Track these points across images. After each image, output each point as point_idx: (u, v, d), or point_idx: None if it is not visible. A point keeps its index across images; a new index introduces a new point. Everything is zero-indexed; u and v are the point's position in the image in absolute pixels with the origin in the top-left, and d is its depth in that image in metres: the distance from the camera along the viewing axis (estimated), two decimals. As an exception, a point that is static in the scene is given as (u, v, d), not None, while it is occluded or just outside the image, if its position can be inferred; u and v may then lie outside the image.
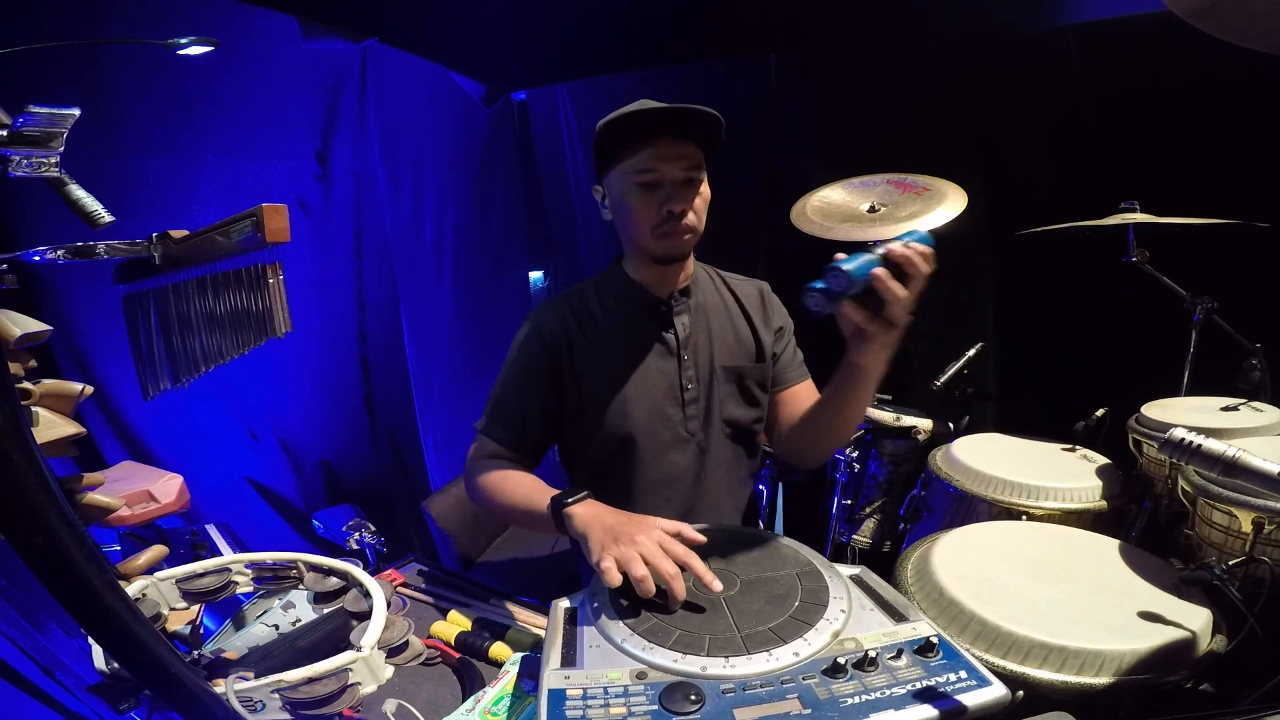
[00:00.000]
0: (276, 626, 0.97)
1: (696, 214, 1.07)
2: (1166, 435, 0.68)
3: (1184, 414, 1.38)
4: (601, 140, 1.05)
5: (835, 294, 0.84)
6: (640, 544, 0.76)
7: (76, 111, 0.81)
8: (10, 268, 0.94)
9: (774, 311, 1.23)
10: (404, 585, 1.11)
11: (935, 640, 0.62)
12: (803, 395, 1.21)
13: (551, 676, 0.61)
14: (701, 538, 0.81)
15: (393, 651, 0.84)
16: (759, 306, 1.22)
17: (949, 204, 1.82)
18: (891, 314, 0.85)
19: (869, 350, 0.91)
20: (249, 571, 0.93)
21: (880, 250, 0.84)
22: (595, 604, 0.72)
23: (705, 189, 1.08)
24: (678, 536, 0.79)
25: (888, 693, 0.57)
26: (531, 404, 1.12)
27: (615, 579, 0.73)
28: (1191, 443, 0.65)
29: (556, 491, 0.95)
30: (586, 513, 0.88)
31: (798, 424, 1.17)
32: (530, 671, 0.79)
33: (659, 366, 1.13)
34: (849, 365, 0.96)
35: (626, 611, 0.70)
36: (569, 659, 0.65)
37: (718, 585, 0.74)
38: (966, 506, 1.45)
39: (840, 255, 0.86)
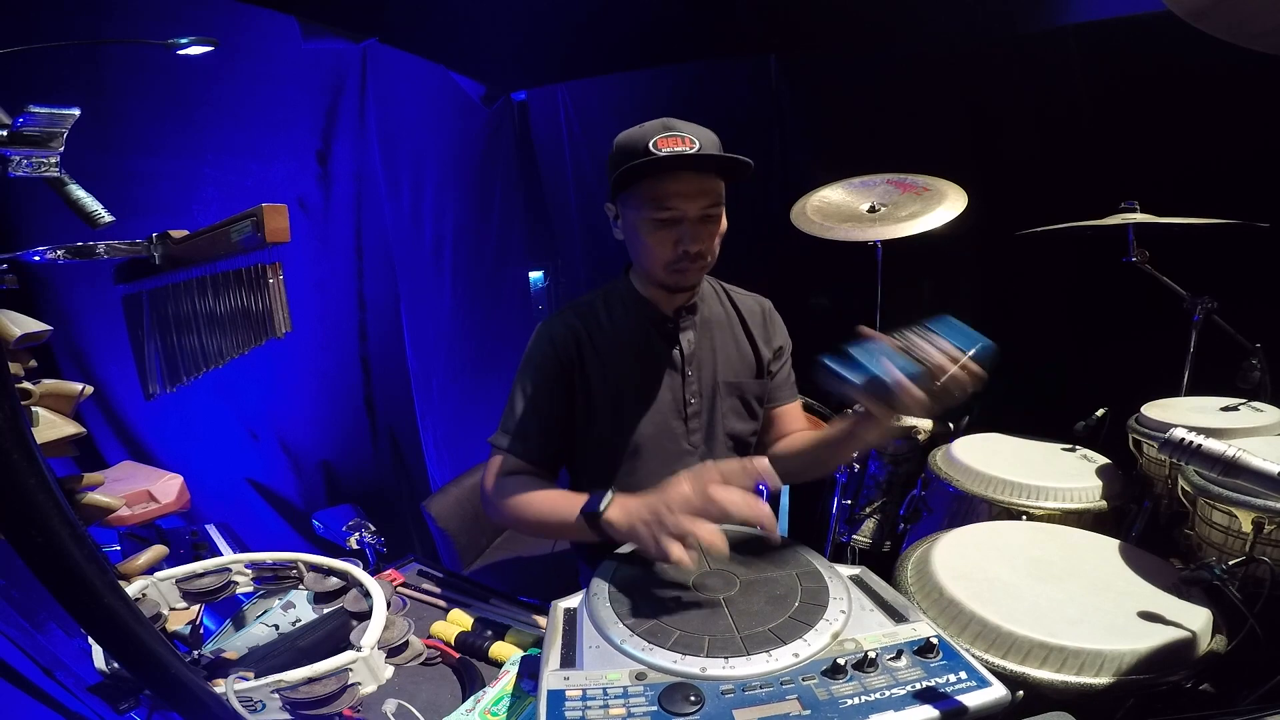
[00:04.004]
0: (276, 626, 0.97)
1: (712, 251, 1.06)
2: (1166, 435, 0.67)
3: (1184, 414, 1.38)
4: (618, 161, 1.00)
5: (855, 385, 0.79)
6: (678, 509, 0.76)
7: (76, 111, 0.81)
8: (10, 268, 0.94)
9: (775, 330, 1.25)
10: (404, 585, 1.11)
11: (935, 641, 0.62)
12: (791, 415, 1.25)
13: (551, 677, 0.61)
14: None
15: (393, 651, 0.84)
16: (761, 324, 1.23)
17: (949, 204, 1.82)
18: (904, 410, 0.81)
19: (871, 426, 0.92)
20: (249, 571, 0.93)
21: (922, 356, 0.77)
22: (595, 605, 0.72)
23: (723, 222, 1.06)
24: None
25: (887, 694, 0.57)
26: (552, 417, 1.12)
27: (689, 561, 0.72)
28: (1191, 443, 0.65)
29: (583, 498, 0.91)
30: (621, 513, 0.85)
31: (784, 452, 1.21)
32: (530, 671, 0.79)
33: (664, 381, 1.14)
34: (848, 432, 0.98)
35: (627, 612, 0.70)
36: (568, 660, 0.65)
37: (769, 522, 0.75)
38: (966, 506, 1.45)
39: (871, 334, 0.78)
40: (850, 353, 0.79)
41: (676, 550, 0.73)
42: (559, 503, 0.99)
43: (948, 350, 0.77)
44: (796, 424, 1.25)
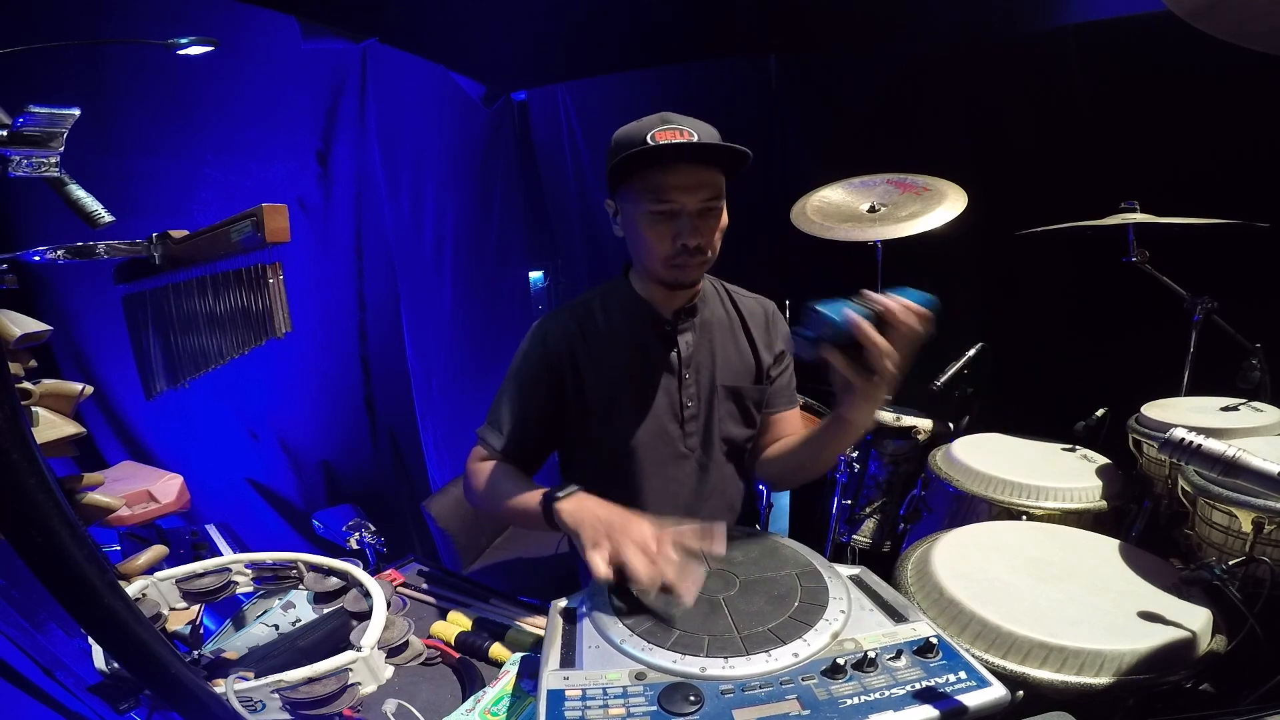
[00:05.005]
0: (276, 626, 0.97)
1: (713, 246, 1.04)
2: (1166, 435, 0.67)
3: (1184, 414, 1.38)
4: (616, 156, 0.99)
5: (813, 339, 0.84)
6: (634, 536, 0.76)
7: (76, 111, 0.81)
8: (10, 268, 0.94)
9: (778, 334, 1.22)
10: (404, 585, 1.11)
11: (935, 641, 0.62)
12: (788, 422, 1.23)
13: (551, 677, 0.61)
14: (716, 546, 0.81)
15: (393, 651, 0.84)
16: (763, 327, 1.21)
17: (949, 204, 1.82)
18: (874, 365, 0.82)
19: (852, 403, 0.91)
20: (249, 571, 0.93)
21: (863, 299, 0.83)
22: (594, 604, 0.72)
23: (724, 217, 1.04)
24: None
25: (887, 693, 0.57)
26: (530, 414, 1.11)
27: (604, 572, 0.73)
28: (1191, 443, 0.65)
29: (548, 490, 0.95)
30: (576, 507, 0.88)
31: (776, 453, 1.19)
32: (530, 671, 0.79)
33: (660, 383, 1.13)
34: (835, 416, 0.97)
35: (626, 612, 0.70)
36: (568, 659, 0.65)
37: (689, 599, 0.70)
38: (966, 506, 1.45)
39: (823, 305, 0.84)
40: (810, 310, 0.84)
41: (602, 566, 0.74)
42: (524, 491, 1.01)
43: (895, 298, 0.82)
44: (793, 430, 1.22)
